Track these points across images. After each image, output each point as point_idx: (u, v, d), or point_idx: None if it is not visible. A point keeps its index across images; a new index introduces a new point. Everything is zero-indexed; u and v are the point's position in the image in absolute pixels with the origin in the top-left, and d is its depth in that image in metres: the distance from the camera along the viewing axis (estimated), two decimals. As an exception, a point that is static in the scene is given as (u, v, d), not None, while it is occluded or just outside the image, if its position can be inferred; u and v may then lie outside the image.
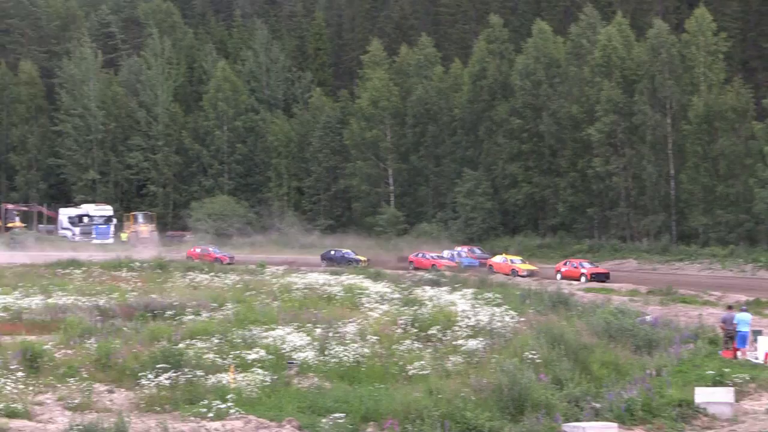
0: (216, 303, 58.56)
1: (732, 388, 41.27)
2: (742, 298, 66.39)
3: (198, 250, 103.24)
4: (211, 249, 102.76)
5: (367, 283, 70.88)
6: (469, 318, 53.37)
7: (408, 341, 47.22)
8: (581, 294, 70.19)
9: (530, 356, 41.98)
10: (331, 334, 46.82)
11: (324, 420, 33.66)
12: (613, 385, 40.24)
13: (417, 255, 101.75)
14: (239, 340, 45.05)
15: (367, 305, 59.21)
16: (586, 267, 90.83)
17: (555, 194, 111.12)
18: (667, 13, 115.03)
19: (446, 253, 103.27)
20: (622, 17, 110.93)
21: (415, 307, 57.33)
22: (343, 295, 64.44)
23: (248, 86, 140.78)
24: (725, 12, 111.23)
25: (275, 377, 39.29)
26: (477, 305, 58.71)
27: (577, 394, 38.38)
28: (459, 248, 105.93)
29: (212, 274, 79.18)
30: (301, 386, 38.89)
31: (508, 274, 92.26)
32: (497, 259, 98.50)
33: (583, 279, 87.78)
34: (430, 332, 49.48)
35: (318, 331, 47.48)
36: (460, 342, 47.15)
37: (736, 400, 40.43)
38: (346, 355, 43.29)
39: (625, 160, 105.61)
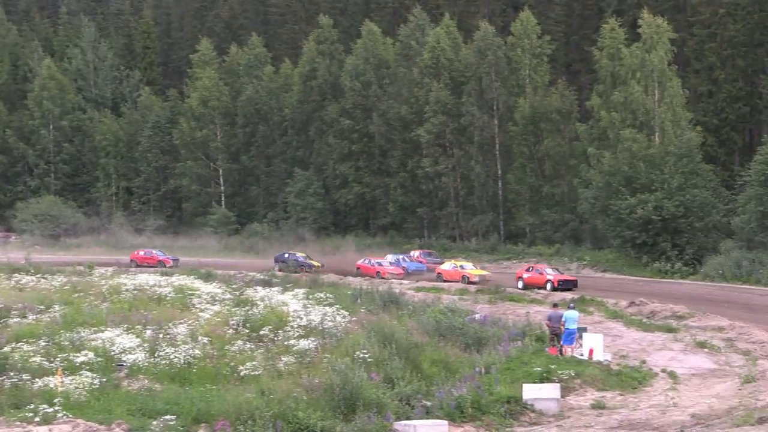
0: (43, 305, 56.58)
1: (558, 384, 42.56)
2: (569, 296, 67.74)
3: (142, 253, 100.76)
4: (155, 252, 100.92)
5: (198, 283, 69.76)
6: (301, 318, 53.08)
7: (239, 342, 46.87)
8: (412, 293, 70.52)
9: (361, 355, 41.99)
10: (161, 336, 46.32)
11: (154, 422, 33.38)
12: (444, 383, 40.89)
13: (364, 261, 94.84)
14: (67, 343, 44.13)
15: (198, 306, 58.38)
16: (552, 274, 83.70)
17: (385, 194, 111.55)
18: (493, 16, 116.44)
19: (390, 258, 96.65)
20: (450, 19, 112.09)
21: (247, 308, 56.81)
22: (173, 296, 63.05)
23: (75, 85, 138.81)
24: (549, 15, 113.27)
25: (104, 380, 38.55)
26: (309, 305, 58.56)
27: (408, 393, 39.02)
28: (413, 252, 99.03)
29: (39, 275, 77.50)
30: (131, 388, 38.44)
31: (458, 281, 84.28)
32: (445, 266, 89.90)
33: (549, 287, 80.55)
34: (261, 333, 49.28)
35: (148, 332, 46.95)
36: (292, 342, 46.98)
37: (562, 396, 41.72)
38: (176, 357, 42.72)
39: (453, 161, 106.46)
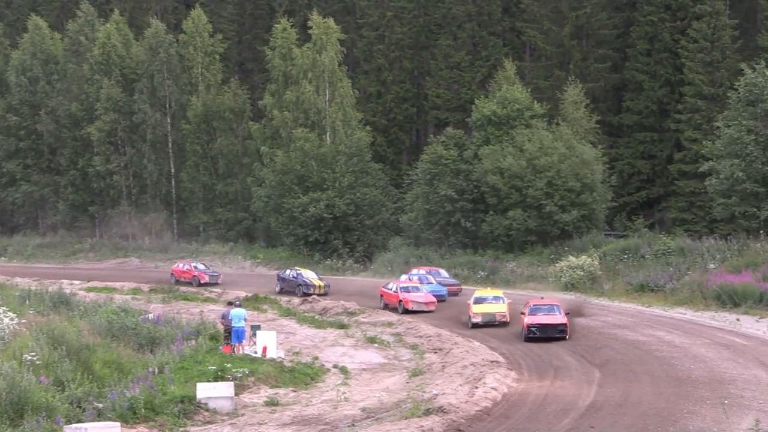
0: None
1: (232, 383, 42.95)
2: (243, 293, 68.42)
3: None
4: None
5: None
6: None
7: None
8: (83, 294, 68.80)
9: (30, 358, 41.01)
10: None
11: None
12: (116, 384, 40.77)
13: (385, 286, 71.05)
14: None
15: None
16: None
17: (55, 192, 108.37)
18: (165, 13, 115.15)
19: (403, 277, 73.59)
20: (120, 15, 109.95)
21: None
22: None
23: None
24: (221, 14, 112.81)
25: None
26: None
27: (80, 395, 38.77)
28: (415, 270, 76.31)
29: None
30: None
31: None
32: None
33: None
34: None
35: None
36: (-48, 346, 46.11)
37: (237, 394, 42.13)
38: None
39: (126, 159, 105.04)
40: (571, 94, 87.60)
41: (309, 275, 76.94)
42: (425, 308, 65.81)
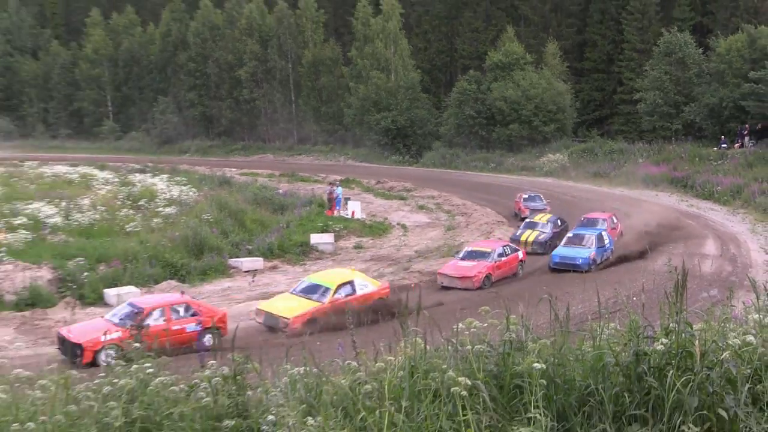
0: (-13, 187, 54.87)
1: (332, 234, 44.04)
2: (338, 177, 69.11)
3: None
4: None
5: (96, 172, 67.45)
6: (166, 193, 52.86)
7: (125, 209, 46.37)
8: (238, 177, 69.88)
9: (205, 217, 42.30)
10: (71, 206, 45.36)
11: (70, 263, 33.33)
12: (260, 234, 42.00)
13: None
14: (7, 211, 42.82)
15: (96, 186, 57.15)
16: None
17: (219, 112, 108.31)
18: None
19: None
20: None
21: (130, 187, 55.85)
22: (79, 180, 61.69)
23: (5, 38, 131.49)
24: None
25: (34, 235, 38.10)
26: (171, 185, 57.87)
27: (237, 240, 39.96)
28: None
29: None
30: (53, 241, 37.84)
31: None
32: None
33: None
34: (140, 203, 48.58)
35: (63, 203, 45.77)
36: (160, 209, 46.53)
37: (335, 241, 43.21)
38: (83, 220, 42.41)
39: (263, 91, 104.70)
40: (550, 49, 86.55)
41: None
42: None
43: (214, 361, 5.83)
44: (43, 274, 32.68)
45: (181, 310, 24.93)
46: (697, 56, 74.72)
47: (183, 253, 36.59)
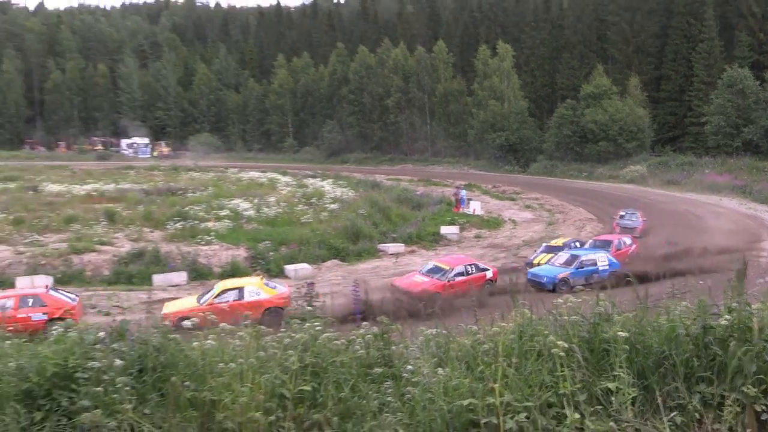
0: (203, 186, 56.86)
1: (458, 226, 43.81)
2: (462, 182, 68.66)
3: None
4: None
5: (279, 177, 68.85)
6: (331, 193, 53.48)
7: (301, 205, 47.03)
8: (386, 181, 70.42)
9: (360, 212, 42.72)
10: (261, 202, 46.40)
11: (260, 244, 34.16)
12: (402, 225, 42.28)
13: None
14: (215, 205, 44.24)
15: (279, 187, 58.38)
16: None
17: (371, 131, 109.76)
18: (423, 40, 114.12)
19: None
20: (402, 45, 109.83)
21: (304, 189, 56.67)
22: (267, 183, 63.15)
23: (217, 77, 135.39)
24: (452, 41, 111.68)
25: (234, 224, 39.18)
26: (334, 187, 58.51)
27: (384, 230, 40.06)
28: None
29: (201, 172, 77.65)
30: (248, 228, 38.72)
31: None
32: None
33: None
34: (311, 200, 49.30)
35: (255, 200, 46.87)
36: (327, 205, 47.09)
37: (460, 232, 43.02)
38: (270, 213, 43.22)
39: (405, 115, 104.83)
40: (632, 82, 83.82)
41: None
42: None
43: (366, 323, 5.89)
44: (241, 253, 33.71)
45: (31, 300, 22.54)
46: (754, 87, 71.19)
47: (343, 239, 37.02)
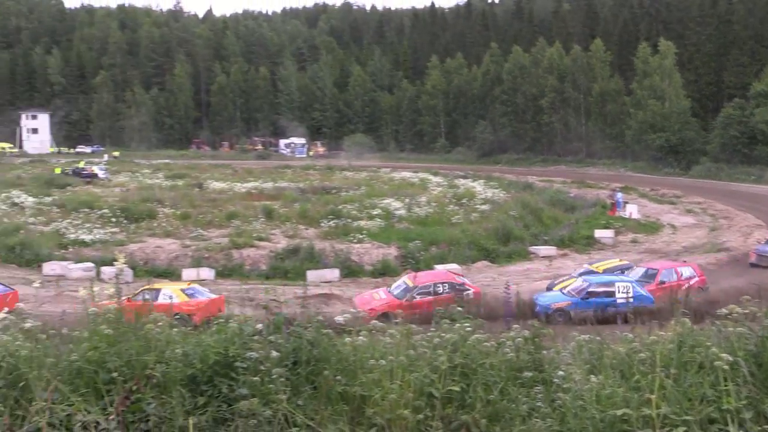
0: (356, 186, 58.45)
1: (613, 230, 42.64)
2: (618, 185, 66.81)
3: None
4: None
5: (430, 177, 69.65)
6: (482, 194, 53.72)
7: (451, 205, 47.40)
8: (538, 182, 69.59)
9: (512, 213, 42.49)
10: (413, 202, 47.00)
11: (410, 243, 34.77)
12: (554, 228, 41.62)
13: None
14: (368, 204, 45.20)
15: (430, 188, 59.02)
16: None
17: (525, 132, 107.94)
18: (580, 40, 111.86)
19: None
20: (558, 44, 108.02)
21: (455, 189, 57.12)
22: (418, 183, 63.97)
23: (370, 78, 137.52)
24: (610, 39, 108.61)
25: (386, 223, 40.04)
26: (486, 188, 58.68)
27: (536, 232, 39.70)
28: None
29: (354, 171, 79.67)
30: (399, 227, 39.46)
31: None
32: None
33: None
34: (462, 201, 49.48)
35: (406, 200, 47.52)
36: (477, 206, 47.25)
37: (615, 236, 41.84)
38: (420, 212, 43.86)
39: (559, 116, 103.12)
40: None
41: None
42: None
43: (517, 325, 5.83)
44: (391, 252, 34.30)
45: None
46: None
47: (493, 240, 36.94)
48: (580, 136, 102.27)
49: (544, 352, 5.44)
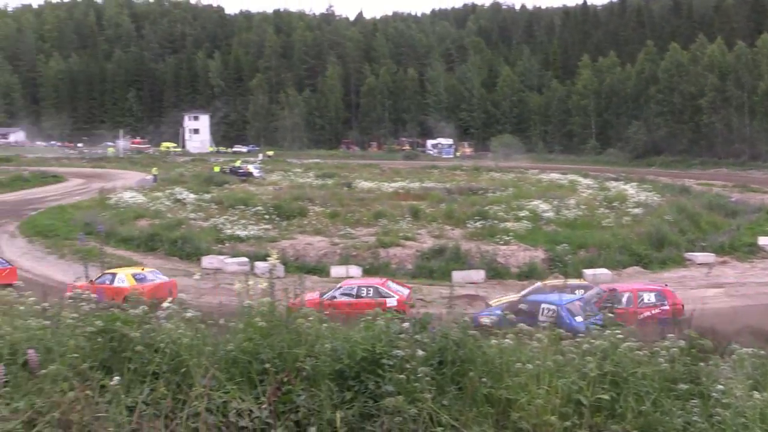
0: (503, 187, 57.95)
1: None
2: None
3: None
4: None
5: (580, 179, 68.16)
6: (634, 197, 52.15)
7: (602, 209, 46.34)
8: (695, 186, 66.52)
9: (666, 218, 41.26)
10: (561, 204, 46.33)
11: (558, 246, 34.32)
12: (712, 233, 39.72)
13: None
14: (515, 206, 44.82)
15: (580, 190, 58.00)
16: None
17: (682, 133, 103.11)
18: (743, 36, 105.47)
19: None
20: (719, 40, 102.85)
21: (606, 192, 55.74)
22: (567, 184, 62.92)
23: (519, 78, 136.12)
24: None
25: (533, 225, 39.60)
26: (639, 191, 57.05)
27: (692, 238, 38.20)
28: None
29: (501, 172, 79.03)
30: (547, 230, 39.00)
31: None
32: None
33: None
34: (613, 204, 48.28)
35: (555, 202, 46.91)
36: (629, 209, 46.02)
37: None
38: (569, 215, 43.19)
39: (720, 116, 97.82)
40: None
41: None
42: None
43: (672, 334, 5.59)
44: (538, 255, 33.93)
45: None
46: None
47: (646, 245, 35.92)
48: (743, 137, 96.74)
49: (702, 364, 5.19)
